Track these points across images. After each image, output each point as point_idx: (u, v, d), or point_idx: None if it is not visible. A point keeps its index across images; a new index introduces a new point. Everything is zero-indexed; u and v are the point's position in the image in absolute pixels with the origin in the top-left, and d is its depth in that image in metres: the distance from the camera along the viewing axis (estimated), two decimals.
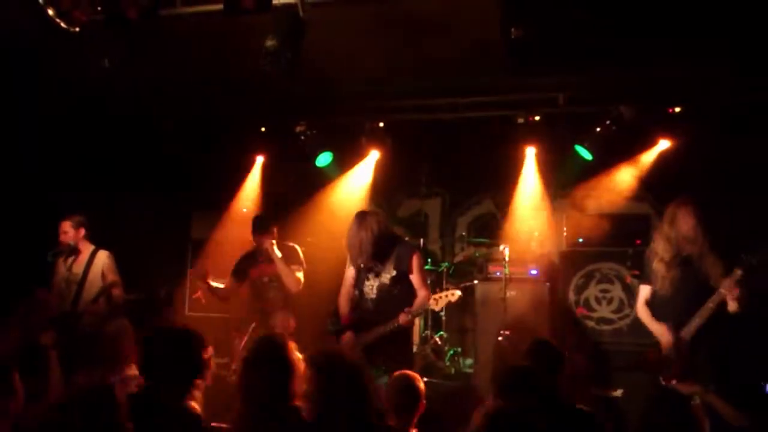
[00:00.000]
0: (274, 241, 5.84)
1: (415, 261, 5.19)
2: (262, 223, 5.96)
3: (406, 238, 5.39)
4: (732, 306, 4.51)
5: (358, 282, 5.30)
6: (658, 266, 4.83)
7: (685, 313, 4.68)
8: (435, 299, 5.15)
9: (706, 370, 4.50)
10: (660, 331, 4.76)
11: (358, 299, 5.32)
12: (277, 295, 5.90)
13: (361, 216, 5.25)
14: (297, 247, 6.05)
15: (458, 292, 5.22)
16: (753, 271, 4.44)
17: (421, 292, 5.16)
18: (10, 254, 6.29)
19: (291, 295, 5.86)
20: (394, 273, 5.14)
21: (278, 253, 5.82)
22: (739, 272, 4.45)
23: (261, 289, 5.99)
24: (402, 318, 5.00)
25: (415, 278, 5.18)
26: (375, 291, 5.20)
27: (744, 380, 4.80)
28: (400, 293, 5.16)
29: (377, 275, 5.18)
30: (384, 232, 5.19)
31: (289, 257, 5.90)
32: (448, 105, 7.24)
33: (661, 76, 6.19)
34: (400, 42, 5.71)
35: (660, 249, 4.83)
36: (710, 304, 4.54)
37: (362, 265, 5.23)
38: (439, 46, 5.78)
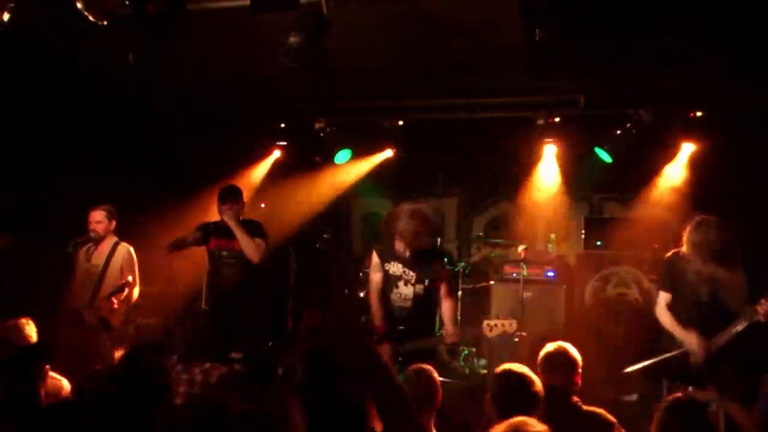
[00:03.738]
0: (231, 212, 5.64)
1: (446, 270, 5.18)
2: (222, 194, 5.77)
3: None
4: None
5: (386, 288, 5.22)
6: (684, 276, 4.77)
7: (711, 323, 4.63)
8: (489, 326, 5.06)
9: (732, 381, 4.44)
10: (689, 338, 4.68)
11: (386, 307, 5.23)
12: (233, 272, 5.71)
13: (418, 210, 5.17)
14: (261, 223, 5.87)
15: (515, 323, 5.12)
16: None
17: (449, 302, 5.17)
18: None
19: (250, 269, 5.66)
20: (426, 283, 5.10)
21: (235, 222, 5.62)
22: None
23: (216, 263, 5.79)
24: (452, 338, 5.13)
25: (444, 288, 5.17)
26: (410, 301, 5.12)
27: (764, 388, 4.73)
28: (431, 303, 5.17)
29: (407, 283, 5.11)
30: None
31: (252, 230, 5.71)
32: (467, 105, 7.25)
33: (683, 80, 6.16)
34: (421, 42, 5.71)
35: (687, 261, 4.78)
36: (744, 322, 4.48)
37: (390, 272, 5.17)
38: (460, 47, 5.78)
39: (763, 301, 4.42)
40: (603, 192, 7.74)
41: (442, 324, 5.60)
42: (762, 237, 5.63)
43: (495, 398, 3.31)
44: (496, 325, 5.04)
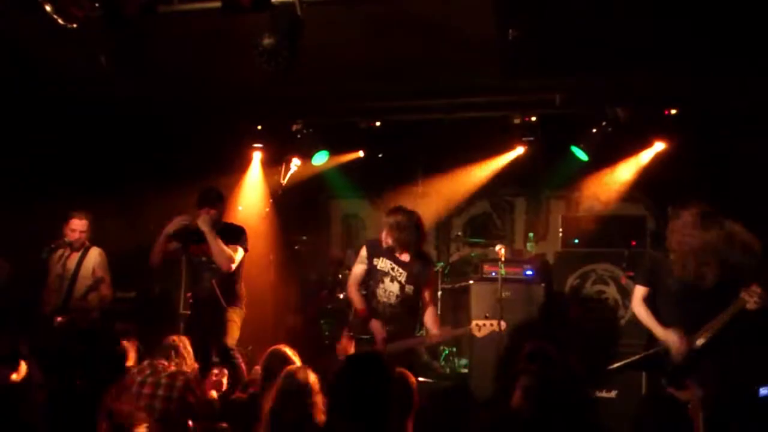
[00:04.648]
0: (207, 216, 5.49)
1: (433, 275, 5.23)
2: (198, 198, 5.64)
3: None
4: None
5: (371, 282, 5.22)
6: (669, 271, 4.71)
7: (693, 320, 4.57)
8: (478, 325, 5.11)
9: (709, 376, 4.38)
10: (669, 336, 4.57)
11: (369, 302, 5.25)
12: (212, 277, 5.57)
13: (410, 213, 5.19)
14: (244, 229, 5.76)
15: (504, 323, 5.21)
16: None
17: (433, 307, 5.23)
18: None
19: (223, 275, 5.52)
20: (414, 285, 5.12)
21: (208, 228, 5.44)
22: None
23: (196, 268, 5.69)
24: (436, 338, 5.20)
25: (428, 292, 5.21)
26: (395, 298, 5.14)
27: (743, 384, 4.71)
28: (416, 305, 5.20)
29: (393, 280, 5.12)
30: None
31: (230, 236, 5.58)
32: (445, 105, 7.25)
33: (658, 78, 6.21)
34: (397, 42, 5.71)
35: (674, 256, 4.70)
36: (725, 317, 4.35)
37: (377, 267, 5.17)
38: (436, 47, 5.78)
39: (753, 287, 4.24)
40: (580, 190, 7.78)
41: (421, 327, 5.62)
42: None
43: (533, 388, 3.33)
44: (484, 324, 5.07)
